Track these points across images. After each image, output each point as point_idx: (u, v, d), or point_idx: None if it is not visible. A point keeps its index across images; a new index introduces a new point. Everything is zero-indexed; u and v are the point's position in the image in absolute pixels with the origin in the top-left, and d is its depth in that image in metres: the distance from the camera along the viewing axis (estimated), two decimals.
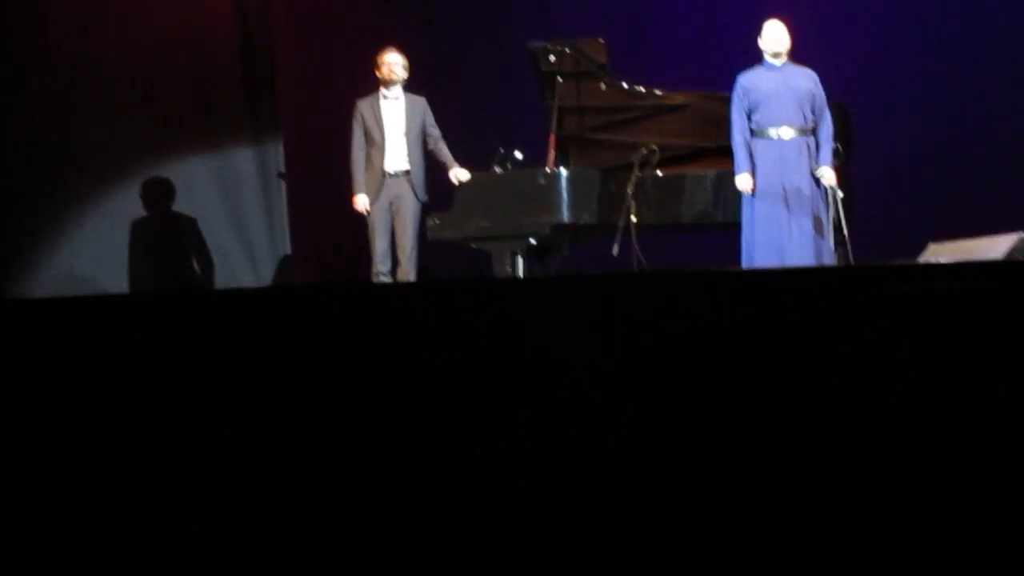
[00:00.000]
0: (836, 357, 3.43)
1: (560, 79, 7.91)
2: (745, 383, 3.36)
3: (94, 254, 9.35)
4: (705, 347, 3.47)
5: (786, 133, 7.36)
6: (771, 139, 7.36)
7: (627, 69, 8.23)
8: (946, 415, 3.33)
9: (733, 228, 7.80)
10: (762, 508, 3.32)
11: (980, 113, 8.72)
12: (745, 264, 7.31)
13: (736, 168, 7.39)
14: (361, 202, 7.90)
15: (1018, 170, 8.49)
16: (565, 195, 7.58)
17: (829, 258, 7.19)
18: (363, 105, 8.01)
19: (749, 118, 7.42)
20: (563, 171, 7.67)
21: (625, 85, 7.99)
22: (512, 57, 8.87)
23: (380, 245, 7.88)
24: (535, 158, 7.91)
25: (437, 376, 3.60)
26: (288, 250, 9.84)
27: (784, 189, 7.28)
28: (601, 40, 8.01)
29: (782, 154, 7.33)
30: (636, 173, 7.58)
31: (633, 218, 7.49)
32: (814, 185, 7.32)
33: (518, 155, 7.89)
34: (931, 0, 8.97)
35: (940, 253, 6.34)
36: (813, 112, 7.39)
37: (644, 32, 9.55)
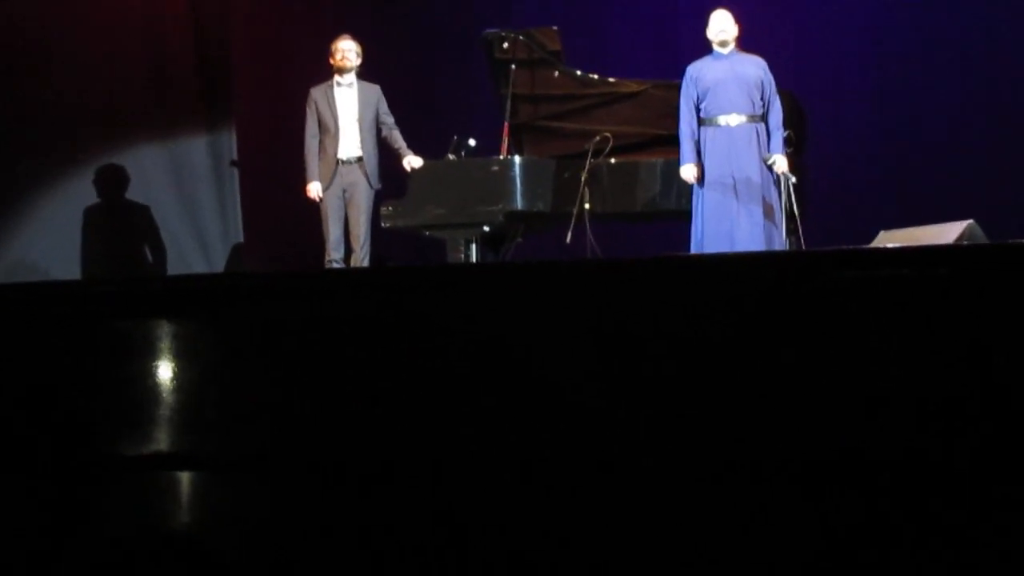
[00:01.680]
0: (786, 341, 3.44)
1: (514, 67, 7.92)
2: (695, 368, 3.37)
3: (46, 241, 9.28)
4: (659, 333, 3.47)
5: (734, 120, 7.35)
6: (720, 126, 7.36)
7: (582, 57, 8.24)
8: (895, 399, 3.35)
9: (686, 216, 7.83)
10: (725, 497, 3.34)
11: (931, 102, 8.79)
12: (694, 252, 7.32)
13: (681, 159, 7.39)
14: (314, 189, 7.89)
15: (967, 159, 8.57)
16: (519, 183, 7.58)
17: (780, 245, 7.21)
18: (316, 92, 8.00)
19: (698, 108, 7.42)
20: (517, 159, 7.67)
21: (579, 73, 8.00)
22: (467, 45, 8.87)
23: (333, 233, 7.87)
24: (489, 146, 7.91)
25: (399, 363, 3.59)
26: (240, 238, 9.82)
27: (733, 177, 7.28)
28: (555, 28, 8.01)
29: (731, 141, 7.33)
30: (590, 161, 7.59)
31: (587, 206, 7.50)
32: (765, 172, 7.31)
33: (472, 143, 7.89)
34: None
35: (890, 241, 6.38)
36: (762, 99, 7.39)
37: (600, 21, 9.58)
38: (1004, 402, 3.27)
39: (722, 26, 7.46)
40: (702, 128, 7.40)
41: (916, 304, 3.38)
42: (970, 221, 6.45)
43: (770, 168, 7.29)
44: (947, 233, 6.06)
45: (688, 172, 7.36)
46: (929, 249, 4.41)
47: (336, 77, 7.98)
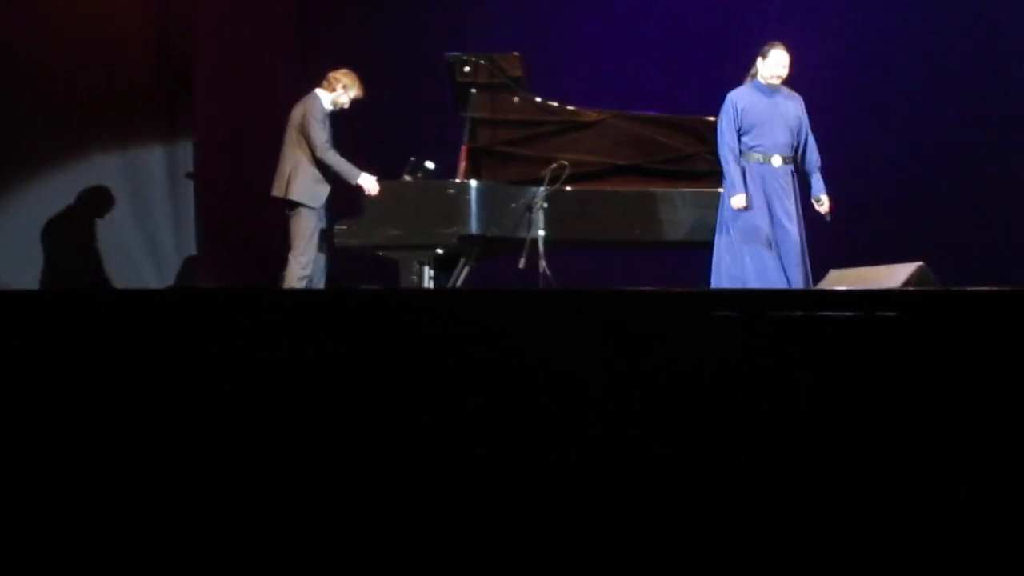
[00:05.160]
0: (734, 380, 3.46)
1: (474, 91, 7.92)
2: (638, 403, 3.38)
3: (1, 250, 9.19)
4: (595, 369, 3.48)
5: (777, 160, 7.18)
6: (761, 164, 7.19)
7: (545, 85, 8.25)
8: (840, 441, 3.37)
9: (641, 247, 7.87)
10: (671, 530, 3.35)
11: (885, 144, 8.87)
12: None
13: (732, 186, 7.17)
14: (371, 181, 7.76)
15: (920, 200, 8.65)
16: (474, 207, 7.57)
17: (801, 282, 7.05)
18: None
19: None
20: (473, 183, 7.66)
21: (538, 100, 8.00)
22: (428, 68, 8.87)
23: (309, 251, 7.82)
24: (447, 169, 7.90)
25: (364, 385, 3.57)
26: (194, 250, 9.76)
27: (769, 219, 7.11)
28: (517, 54, 8.02)
29: (769, 181, 7.16)
30: (546, 188, 7.60)
31: (541, 233, 7.51)
32: (796, 213, 7.16)
33: (429, 165, 7.87)
34: (846, 37, 9.11)
35: (841, 280, 6.42)
36: (798, 138, 7.25)
37: (563, 48, 9.62)
38: (946, 443, 3.30)
39: (785, 63, 7.26)
40: (743, 162, 7.22)
41: (864, 346, 3.41)
42: (921, 263, 6.51)
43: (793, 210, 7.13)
44: (897, 274, 6.10)
45: (740, 201, 7.12)
46: (880, 293, 4.45)
47: (332, 107, 7.90)
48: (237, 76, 9.75)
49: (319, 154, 7.80)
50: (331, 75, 7.95)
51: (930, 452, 3.33)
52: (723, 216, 7.23)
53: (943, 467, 3.32)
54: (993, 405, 3.31)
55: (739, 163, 7.18)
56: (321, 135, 7.81)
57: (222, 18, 9.82)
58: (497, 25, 9.60)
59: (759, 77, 7.32)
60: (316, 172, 7.86)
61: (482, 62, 7.93)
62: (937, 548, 3.25)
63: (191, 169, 9.72)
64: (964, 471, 3.32)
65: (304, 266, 7.80)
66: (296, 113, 7.93)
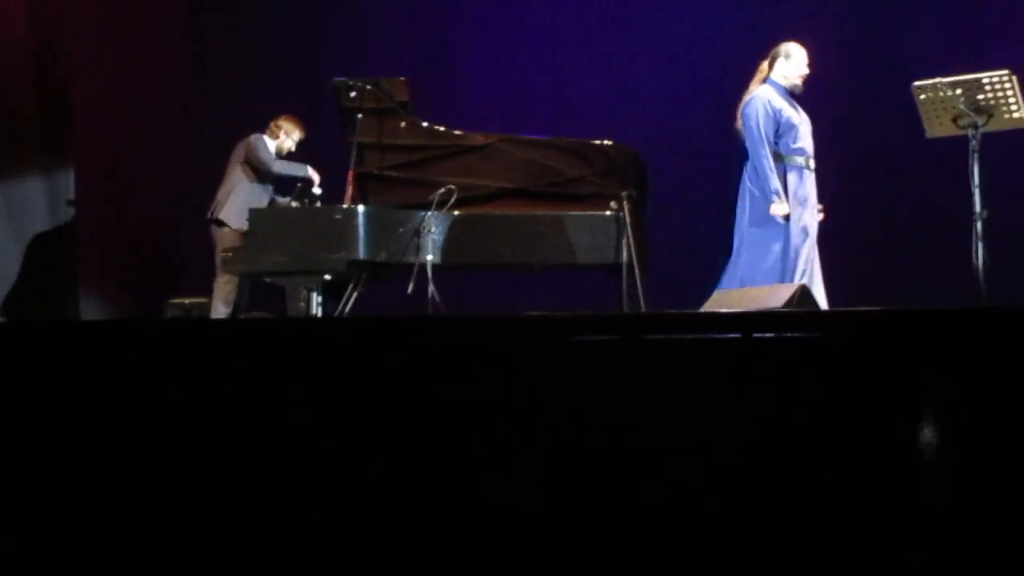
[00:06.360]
0: (613, 404, 3.47)
1: (361, 116, 7.89)
2: (511, 430, 3.38)
3: None
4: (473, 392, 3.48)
5: (812, 164, 7.06)
6: (805, 168, 7.04)
7: (432, 109, 8.26)
8: (720, 463, 3.39)
9: (529, 270, 7.89)
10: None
11: None
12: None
13: (775, 191, 6.94)
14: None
15: None
16: (362, 232, 7.53)
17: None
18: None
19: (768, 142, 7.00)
20: (360, 208, 7.61)
21: (425, 124, 7.99)
22: (317, 93, 8.85)
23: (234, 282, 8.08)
24: (334, 194, 7.88)
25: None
26: (75, 279, 9.60)
27: (811, 223, 7.03)
28: (403, 79, 8.02)
29: (813, 186, 7.05)
30: (434, 212, 7.59)
31: (429, 257, 7.50)
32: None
33: (316, 191, 7.87)
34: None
35: (724, 301, 6.48)
36: None
37: (452, 73, 9.64)
38: (821, 460, 3.34)
39: (808, 62, 7.06)
40: (776, 165, 6.99)
41: (745, 367, 3.44)
42: (801, 283, 6.59)
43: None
44: (778, 294, 6.17)
45: (783, 208, 6.93)
46: (753, 315, 4.49)
47: (276, 152, 8.42)
48: (118, 100, 9.65)
49: (275, 169, 8.30)
50: (273, 124, 8.47)
51: (805, 469, 3.36)
52: (777, 221, 6.94)
53: (819, 484, 3.36)
54: (868, 424, 3.35)
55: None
56: (268, 155, 8.31)
57: (102, 41, 9.71)
58: (389, 49, 9.60)
59: (780, 79, 7.12)
60: (247, 198, 8.13)
61: (368, 87, 7.90)
62: (812, 566, 3.29)
63: (71, 196, 9.58)
64: (838, 488, 3.35)
65: (228, 281, 8.09)
66: (238, 150, 8.38)
